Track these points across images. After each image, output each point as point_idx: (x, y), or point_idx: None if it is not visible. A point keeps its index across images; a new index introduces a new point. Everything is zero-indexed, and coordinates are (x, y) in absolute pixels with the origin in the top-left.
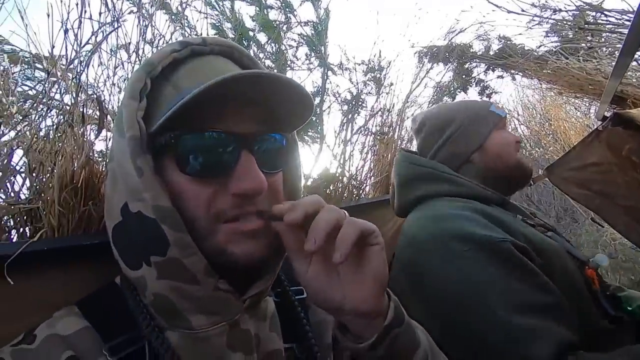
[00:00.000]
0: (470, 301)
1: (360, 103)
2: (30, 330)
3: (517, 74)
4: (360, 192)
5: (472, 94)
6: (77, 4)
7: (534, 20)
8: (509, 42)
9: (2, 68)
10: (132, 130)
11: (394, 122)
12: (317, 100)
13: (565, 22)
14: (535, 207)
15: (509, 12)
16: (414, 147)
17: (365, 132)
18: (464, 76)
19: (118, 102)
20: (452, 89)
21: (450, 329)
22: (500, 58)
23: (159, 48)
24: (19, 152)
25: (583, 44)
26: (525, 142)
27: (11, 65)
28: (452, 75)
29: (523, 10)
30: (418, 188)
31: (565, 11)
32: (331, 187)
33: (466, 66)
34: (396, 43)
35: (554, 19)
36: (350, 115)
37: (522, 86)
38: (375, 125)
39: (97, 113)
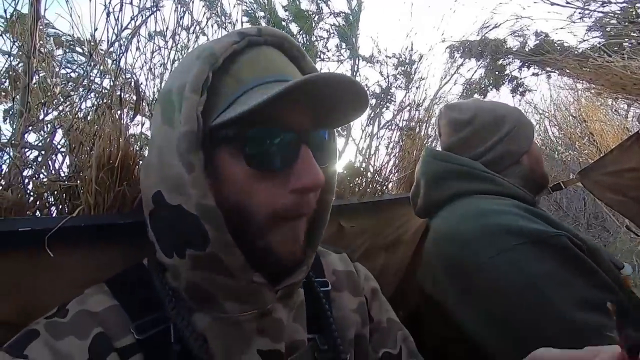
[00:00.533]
0: (527, 295)
1: (389, 97)
2: (63, 305)
3: (554, 72)
4: (384, 187)
5: (504, 92)
6: None
7: (578, 14)
8: (547, 38)
9: (46, 50)
10: (190, 125)
11: (421, 118)
12: None
13: (613, 15)
14: (564, 212)
15: (552, 4)
16: (438, 147)
17: (393, 127)
18: (497, 72)
19: (154, 87)
20: (483, 85)
21: (505, 326)
22: (537, 54)
23: (194, 34)
24: (60, 132)
25: (629, 41)
26: (557, 144)
27: (56, 47)
28: (484, 71)
29: (568, 2)
30: (451, 186)
31: (615, 3)
32: (356, 181)
33: (499, 62)
34: (429, 36)
35: (601, 12)
36: (378, 109)
37: (557, 87)
38: (403, 120)
39: (134, 97)
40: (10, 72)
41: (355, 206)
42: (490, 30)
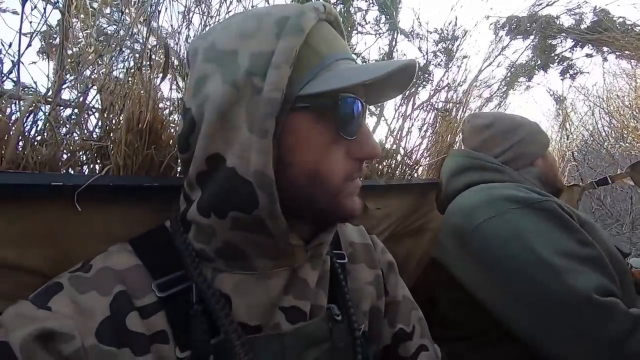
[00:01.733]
0: (515, 249)
1: (426, 75)
2: (87, 260)
3: (611, 52)
4: (414, 171)
5: (553, 75)
6: None
7: None
8: (606, 16)
9: (80, 7)
10: (276, 93)
11: (459, 100)
12: None
13: None
14: (607, 211)
15: None
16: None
17: (428, 108)
18: (545, 52)
19: (183, 50)
20: (529, 67)
21: (498, 277)
22: (593, 32)
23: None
24: (92, 92)
25: None
26: (608, 134)
27: (90, 2)
28: (532, 51)
29: None
30: (466, 177)
31: None
32: (384, 162)
33: (549, 42)
34: (476, 10)
35: None
36: (413, 89)
37: (612, 73)
38: (439, 102)
39: (163, 59)
40: (50, 29)
41: (383, 188)
42: (542, 8)
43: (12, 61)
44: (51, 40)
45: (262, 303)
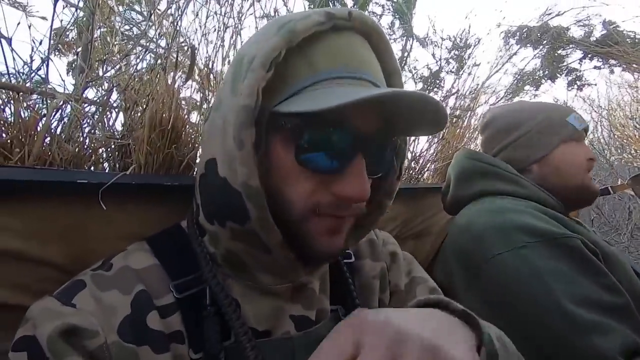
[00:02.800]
0: (534, 290)
1: (438, 82)
2: (108, 259)
3: (619, 65)
4: (420, 175)
5: (560, 85)
6: None
7: None
8: (615, 29)
9: (109, 7)
10: (249, 100)
11: (467, 106)
12: None
13: None
14: (605, 219)
15: None
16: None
17: None
18: (554, 62)
19: (207, 52)
20: (537, 77)
21: (511, 319)
22: (603, 46)
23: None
24: (116, 90)
25: None
26: (609, 145)
27: (117, 3)
28: (541, 61)
29: None
30: (478, 184)
31: None
32: None
33: (559, 52)
34: (489, 19)
35: None
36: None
37: (615, 84)
38: (449, 108)
39: (188, 61)
40: (77, 25)
41: None
42: (553, 17)
43: (42, 58)
44: (65, 38)
45: (270, 311)
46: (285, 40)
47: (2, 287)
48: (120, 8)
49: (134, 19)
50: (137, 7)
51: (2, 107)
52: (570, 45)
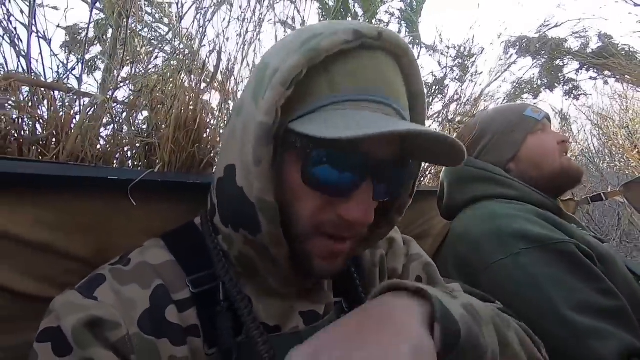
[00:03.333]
0: (531, 297)
1: (442, 88)
2: (126, 254)
3: (614, 77)
4: (421, 179)
5: (558, 94)
6: None
7: None
8: (610, 42)
9: (139, 13)
10: (267, 117)
11: (467, 112)
12: None
13: None
14: (595, 225)
15: (635, 5)
16: None
17: (440, 119)
18: (552, 72)
19: (229, 56)
20: (535, 85)
21: None
22: (599, 57)
23: (266, 7)
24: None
25: None
26: (600, 153)
27: (146, 10)
28: (539, 71)
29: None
30: (472, 189)
31: None
32: None
33: (556, 63)
34: (492, 30)
35: None
36: (429, 100)
37: (605, 95)
38: (451, 113)
39: (212, 65)
40: (103, 27)
41: None
42: (551, 28)
43: (77, 58)
44: (76, 36)
45: (280, 309)
46: (307, 59)
47: (29, 278)
48: (148, 16)
49: (161, 23)
50: (164, 12)
51: (38, 104)
52: (568, 56)
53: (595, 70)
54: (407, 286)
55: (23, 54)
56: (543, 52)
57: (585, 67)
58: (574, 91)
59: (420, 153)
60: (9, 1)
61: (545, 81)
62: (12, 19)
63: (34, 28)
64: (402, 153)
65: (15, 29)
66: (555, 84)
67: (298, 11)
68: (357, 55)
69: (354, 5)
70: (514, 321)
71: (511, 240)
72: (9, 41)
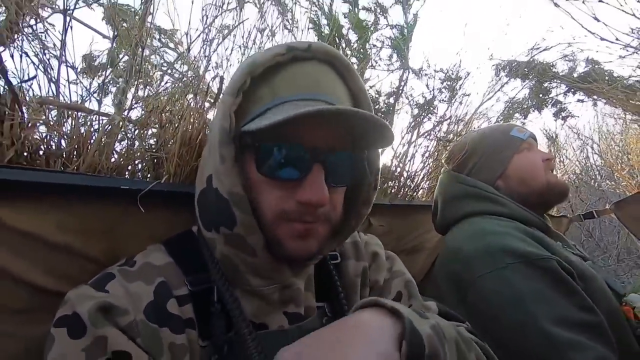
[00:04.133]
0: (514, 310)
1: (431, 109)
2: (131, 257)
3: (600, 100)
4: (414, 193)
5: (547, 115)
6: None
7: (628, 50)
8: (596, 67)
9: (152, 43)
10: (224, 121)
11: (459, 131)
12: (392, 100)
13: None
14: (595, 242)
15: (601, 39)
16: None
17: (431, 137)
18: (540, 95)
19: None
20: (525, 106)
21: (494, 338)
22: (584, 82)
23: (266, 36)
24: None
25: None
26: (597, 173)
27: (157, 39)
28: (529, 92)
29: (617, 39)
30: (464, 205)
31: None
32: (389, 183)
33: (545, 85)
34: (478, 55)
35: None
36: (419, 119)
37: (603, 114)
38: (441, 132)
39: (215, 89)
40: (114, 54)
41: (387, 207)
42: (540, 52)
43: (99, 84)
44: (93, 63)
45: (266, 308)
46: (247, 71)
47: (52, 275)
48: (159, 42)
49: (170, 49)
50: (172, 39)
51: (64, 122)
52: (555, 80)
53: (583, 94)
54: (385, 304)
55: (53, 80)
56: (532, 76)
57: (572, 90)
58: (562, 112)
59: (365, 142)
60: (45, 36)
61: (534, 102)
62: (46, 51)
63: (63, 58)
64: (351, 143)
65: (48, 59)
66: (544, 106)
67: (295, 39)
68: (292, 66)
69: (347, 33)
70: (476, 342)
71: (498, 255)
72: (42, 70)
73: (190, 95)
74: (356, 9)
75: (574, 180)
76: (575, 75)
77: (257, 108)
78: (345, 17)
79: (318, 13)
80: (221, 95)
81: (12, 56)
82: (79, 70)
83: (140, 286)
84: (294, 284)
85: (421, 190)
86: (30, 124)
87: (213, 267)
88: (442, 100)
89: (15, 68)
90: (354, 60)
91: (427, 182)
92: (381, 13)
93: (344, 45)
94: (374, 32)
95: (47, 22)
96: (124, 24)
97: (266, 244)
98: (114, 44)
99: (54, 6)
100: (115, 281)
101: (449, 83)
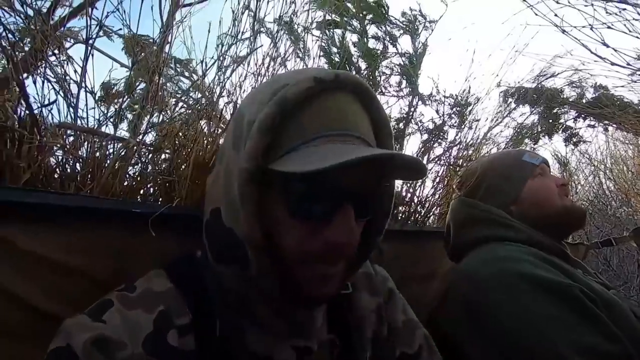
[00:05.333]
0: (532, 336)
1: (441, 134)
2: (131, 282)
3: (612, 125)
4: (425, 219)
5: (557, 140)
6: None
7: (638, 75)
8: (605, 92)
9: (168, 72)
10: (250, 163)
11: (469, 156)
12: (402, 125)
13: None
14: (614, 272)
15: (612, 64)
16: None
17: (441, 162)
18: (550, 121)
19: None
20: (534, 132)
21: None
22: (595, 107)
23: (279, 64)
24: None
25: None
26: (611, 199)
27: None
28: (538, 118)
29: (629, 64)
30: (476, 231)
31: None
32: (400, 209)
33: (554, 111)
34: (487, 81)
35: None
36: (429, 144)
37: (615, 139)
38: (452, 157)
39: (228, 115)
40: (131, 81)
41: (397, 233)
42: (548, 78)
43: (116, 109)
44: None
45: (272, 340)
46: (279, 109)
47: (59, 299)
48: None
49: (184, 76)
50: (187, 68)
51: (80, 146)
52: (565, 106)
53: (593, 119)
54: None
55: (72, 105)
56: (540, 102)
57: (583, 115)
58: (573, 138)
59: (389, 173)
60: (67, 63)
61: (544, 128)
62: (67, 77)
63: (83, 84)
64: (376, 175)
65: (69, 85)
66: (554, 131)
67: (307, 66)
68: (319, 98)
69: (357, 61)
70: None
71: (515, 282)
72: (62, 95)
73: (204, 121)
74: (365, 38)
75: (587, 208)
76: (584, 100)
77: (283, 146)
78: (354, 46)
79: (328, 42)
80: (243, 131)
81: (34, 82)
82: (97, 97)
83: (140, 315)
84: (303, 316)
85: (432, 217)
86: (47, 148)
87: (216, 295)
88: (452, 125)
89: (37, 93)
90: None
91: (439, 209)
92: (390, 42)
93: (354, 72)
94: (383, 60)
95: (68, 51)
96: (142, 54)
97: (279, 289)
98: (132, 72)
99: (77, 37)
100: (113, 310)
101: (458, 109)
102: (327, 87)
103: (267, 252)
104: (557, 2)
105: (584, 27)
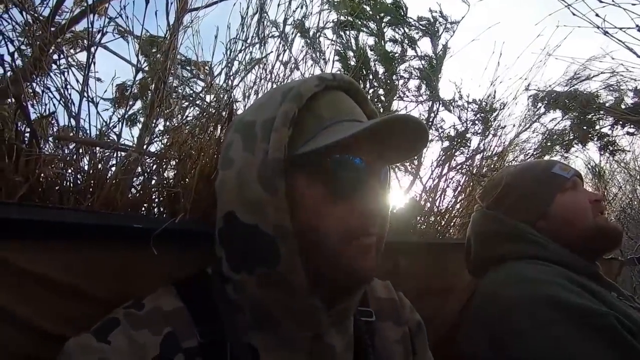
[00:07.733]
0: None
1: (464, 141)
2: (139, 299)
3: None
4: (446, 231)
5: (591, 149)
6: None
7: None
8: None
9: (175, 77)
10: (278, 153)
11: (494, 165)
12: None
13: None
14: None
15: None
16: None
17: (463, 171)
18: (584, 127)
19: None
20: (566, 139)
21: None
22: (635, 113)
23: (290, 69)
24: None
25: None
26: None
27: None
28: (570, 125)
29: None
30: (500, 247)
31: None
32: (418, 220)
33: (589, 117)
34: (514, 86)
35: None
36: (450, 152)
37: None
38: (475, 166)
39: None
40: (140, 86)
41: (415, 245)
42: (582, 81)
43: (118, 118)
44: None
45: (289, 359)
46: (295, 102)
47: (58, 320)
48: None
49: (191, 81)
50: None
51: (81, 158)
52: (601, 112)
53: (633, 126)
54: None
55: (74, 114)
56: (574, 107)
57: (621, 122)
58: (609, 146)
59: (391, 156)
60: (68, 72)
61: (577, 135)
62: (68, 86)
63: (85, 94)
64: (383, 161)
65: (70, 94)
66: (589, 139)
67: (322, 70)
68: (326, 94)
69: (374, 65)
70: None
71: (543, 308)
72: (63, 105)
73: (211, 129)
74: (382, 41)
75: (619, 217)
76: (623, 106)
77: (305, 134)
78: (371, 50)
79: (344, 45)
80: (257, 133)
81: (34, 92)
82: (110, 100)
83: (147, 336)
84: (327, 336)
85: (452, 228)
86: (46, 160)
87: (228, 315)
88: (476, 132)
89: (37, 102)
90: (380, 92)
91: (460, 220)
92: (409, 44)
93: (371, 77)
94: (401, 64)
95: (70, 58)
96: (152, 57)
97: (307, 286)
98: (144, 74)
99: (82, 42)
100: (119, 330)
101: (482, 115)
102: (329, 86)
103: (299, 240)
104: (600, 1)
105: (630, 28)
